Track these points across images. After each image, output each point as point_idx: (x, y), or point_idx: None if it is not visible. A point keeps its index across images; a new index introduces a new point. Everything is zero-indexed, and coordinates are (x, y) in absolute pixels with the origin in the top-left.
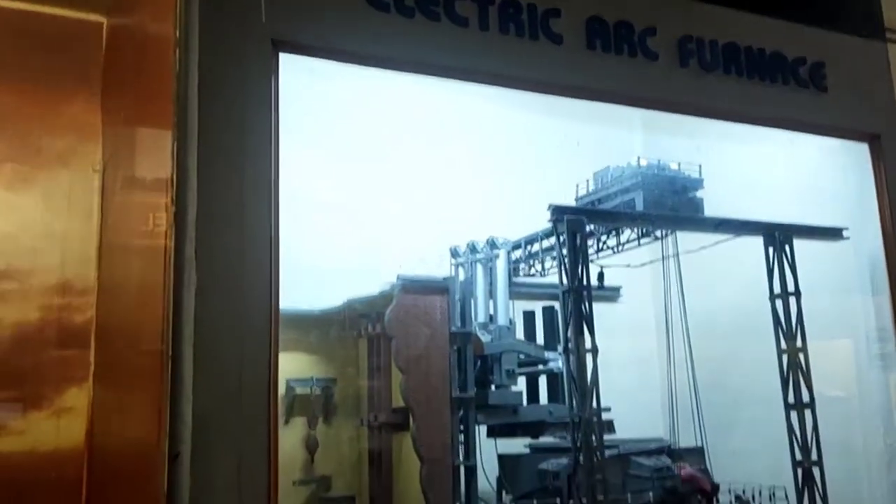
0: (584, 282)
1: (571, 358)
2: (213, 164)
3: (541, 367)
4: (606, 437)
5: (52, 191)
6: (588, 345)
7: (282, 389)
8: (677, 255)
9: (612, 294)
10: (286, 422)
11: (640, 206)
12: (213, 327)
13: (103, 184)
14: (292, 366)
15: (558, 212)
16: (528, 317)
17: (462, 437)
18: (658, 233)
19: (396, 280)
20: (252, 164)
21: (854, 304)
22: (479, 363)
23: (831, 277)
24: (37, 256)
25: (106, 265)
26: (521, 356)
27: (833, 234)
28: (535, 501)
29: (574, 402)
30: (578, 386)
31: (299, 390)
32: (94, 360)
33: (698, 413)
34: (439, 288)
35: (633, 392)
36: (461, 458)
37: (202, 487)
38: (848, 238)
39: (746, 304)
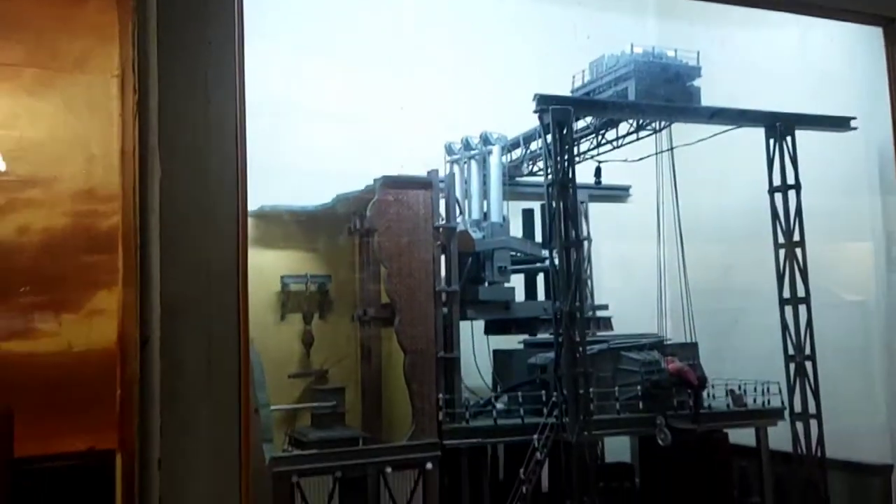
0: (570, 174)
1: (555, 252)
2: (175, 53)
3: (538, 264)
4: (603, 333)
5: (72, 96)
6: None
7: (277, 286)
8: (671, 148)
9: (620, 194)
10: (282, 318)
11: (631, 96)
12: (180, 217)
13: (122, 89)
14: (287, 263)
15: (543, 101)
16: (528, 215)
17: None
18: (656, 125)
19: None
20: (217, 57)
21: (861, 201)
22: (470, 260)
23: (839, 172)
24: (62, 163)
25: (128, 171)
26: (516, 254)
27: (839, 123)
28: (519, 393)
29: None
30: (560, 280)
31: (294, 287)
32: (121, 265)
33: (688, 309)
34: (422, 183)
35: (642, 293)
36: (443, 350)
37: (173, 371)
38: (856, 128)
39: (759, 200)
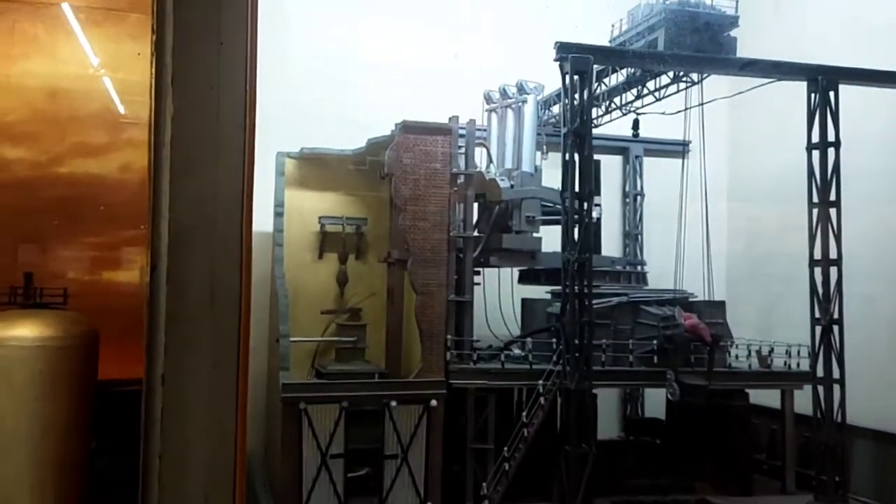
0: (587, 123)
1: (569, 203)
2: None
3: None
4: (634, 287)
5: None
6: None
7: (316, 227)
8: (702, 103)
9: (679, 149)
10: (320, 256)
11: (661, 46)
12: (189, 152)
13: None
14: (328, 205)
15: (563, 49)
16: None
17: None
18: (695, 76)
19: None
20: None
21: None
22: (497, 208)
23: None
24: None
25: None
26: (551, 204)
27: (893, 79)
28: (528, 340)
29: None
30: (571, 231)
31: (331, 228)
32: None
33: (708, 270)
34: (441, 130)
35: (696, 250)
36: (455, 293)
37: (177, 295)
38: None
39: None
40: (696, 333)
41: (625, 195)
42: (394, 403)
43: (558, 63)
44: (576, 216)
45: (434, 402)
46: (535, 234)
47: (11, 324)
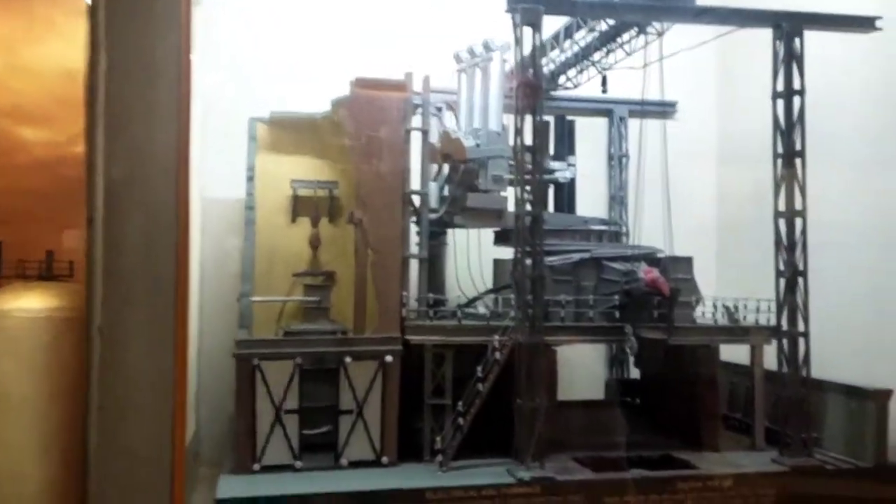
0: (539, 77)
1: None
2: None
3: (546, 176)
4: (609, 245)
5: None
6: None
7: (288, 191)
8: (661, 58)
9: (666, 109)
10: (293, 220)
11: None
12: (124, 107)
13: None
14: (297, 169)
15: (514, 0)
16: (543, 126)
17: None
18: (660, 27)
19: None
20: None
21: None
22: (462, 167)
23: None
24: None
25: None
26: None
27: (860, 23)
28: (482, 298)
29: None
30: (523, 189)
31: (302, 192)
32: None
33: (668, 223)
34: (396, 86)
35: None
36: (410, 250)
37: (114, 249)
38: (881, 29)
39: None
40: (655, 287)
41: (610, 157)
42: (348, 360)
43: (511, 15)
44: (526, 171)
45: (389, 359)
46: (501, 194)
47: (18, 295)
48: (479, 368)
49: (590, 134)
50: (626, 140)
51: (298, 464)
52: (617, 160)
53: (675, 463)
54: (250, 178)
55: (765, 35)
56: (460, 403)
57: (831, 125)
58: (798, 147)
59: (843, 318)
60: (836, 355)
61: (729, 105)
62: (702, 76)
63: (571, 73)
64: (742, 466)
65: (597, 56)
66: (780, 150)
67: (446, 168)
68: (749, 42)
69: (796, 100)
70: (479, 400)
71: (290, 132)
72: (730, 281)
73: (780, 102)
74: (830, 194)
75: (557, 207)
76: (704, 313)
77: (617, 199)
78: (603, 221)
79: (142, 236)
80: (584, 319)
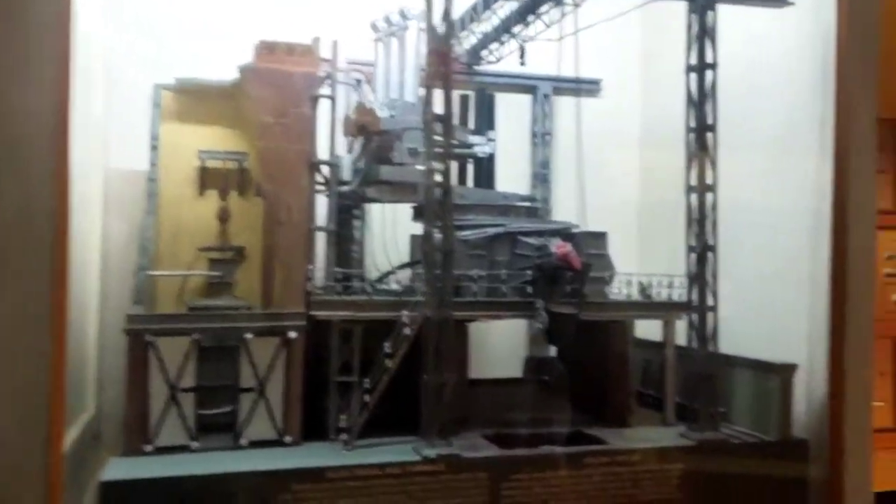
0: (448, 42)
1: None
2: None
3: (466, 150)
4: (525, 220)
5: None
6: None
7: (196, 162)
8: (577, 30)
9: (590, 87)
10: (201, 193)
11: None
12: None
13: None
14: (206, 139)
15: None
16: (463, 100)
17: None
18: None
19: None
20: None
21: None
22: (376, 139)
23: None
24: None
25: None
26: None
27: None
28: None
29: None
30: (432, 161)
31: (210, 163)
32: None
33: (582, 199)
34: (302, 50)
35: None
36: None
37: None
38: (793, 4)
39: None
40: (566, 262)
41: (533, 135)
42: (248, 336)
43: None
44: (436, 143)
45: (293, 335)
46: (417, 167)
47: None
48: (387, 344)
49: (515, 110)
50: (549, 117)
51: (195, 444)
52: (540, 137)
53: (585, 439)
54: (154, 148)
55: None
56: (366, 380)
57: (752, 104)
58: (710, 121)
59: (758, 297)
60: (750, 332)
61: (653, 83)
62: (627, 54)
63: (493, 46)
64: (650, 441)
65: (517, 28)
66: (692, 124)
67: (362, 141)
68: (673, 18)
69: (709, 73)
70: (386, 377)
71: (197, 100)
72: (652, 259)
73: (693, 76)
74: (749, 173)
75: (477, 183)
76: (621, 290)
77: (540, 176)
78: (522, 198)
79: (13, 208)
80: (497, 294)
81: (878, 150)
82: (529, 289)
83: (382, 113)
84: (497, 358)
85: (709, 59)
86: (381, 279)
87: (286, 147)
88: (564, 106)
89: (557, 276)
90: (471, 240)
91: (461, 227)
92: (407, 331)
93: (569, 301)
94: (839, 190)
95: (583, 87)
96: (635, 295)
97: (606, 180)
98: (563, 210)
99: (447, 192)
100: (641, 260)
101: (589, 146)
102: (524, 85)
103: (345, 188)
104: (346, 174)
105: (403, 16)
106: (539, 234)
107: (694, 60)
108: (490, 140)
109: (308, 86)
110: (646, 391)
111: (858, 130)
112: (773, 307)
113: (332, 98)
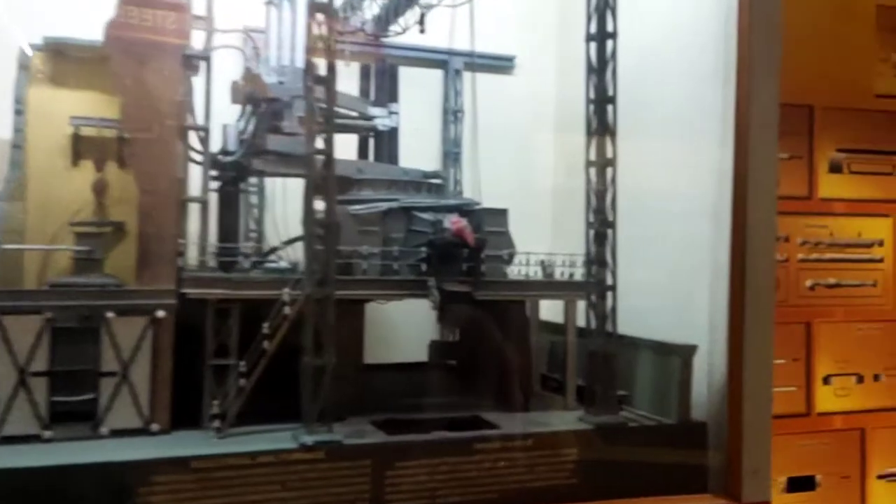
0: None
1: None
2: None
3: (364, 122)
4: (421, 195)
5: None
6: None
7: (69, 129)
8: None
9: (503, 64)
10: (74, 164)
11: None
12: None
13: None
14: (82, 105)
15: None
16: (365, 71)
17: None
18: None
19: None
20: None
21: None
22: (264, 106)
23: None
24: None
25: None
26: (340, 110)
27: None
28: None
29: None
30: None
31: (85, 131)
32: None
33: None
34: (171, 4)
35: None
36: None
37: None
38: None
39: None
40: (461, 237)
41: (445, 112)
42: (110, 315)
43: None
44: (319, 110)
45: (161, 314)
46: None
47: None
48: (266, 325)
49: (428, 85)
50: (460, 94)
51: (47, 434)
52: (452, 115)
53: (481, 424)
54: (18, 113)
55: None
56: (241, 363)
57: (654, 85)
58: (610, 92)
59: (661, 279)
60: (654, 315)
61: (568, 59)
62: (543, 30)
63: (400, 16)
64: (547, 426)
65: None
66: (591, 96)
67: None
68: None
69: (609, 43)
70: (263, 360)
71: (69, 62)
72: (567, 240)
73: (593, 46)
74: (652, 156)
75: (378, 157)
76: (521, 270)
77: (451, 155)
78: (426, 174)
79: None
80: (390, 272)
81: (794, 135)
82: (425, 267)
83: (270, 79)
84: (408, 341)
85: (609, 28)
86: (266, 255)
87: (151, 112)
88: (485, 82)
89: (451, 252)
90: (362, 215)
91: (353, 202)
92: (287, 310)
93: (464, 280)
94: (738, 173)
95: (495, 63)
96: (537, 275)
97: (523, 160)
98: (474, 188)
99: (330, 161)
100: (555, 241)
101: (506, 124)
102: (433, 59)
103: (227, 158)
104: (231, 143)
105: None
106: (436, 210)
107: (594, 29)
108: (392, 113)
109: (176, 45)
110: (551, 375)
111: (759, 112)
112: (675, 290)
113: (207, 59)
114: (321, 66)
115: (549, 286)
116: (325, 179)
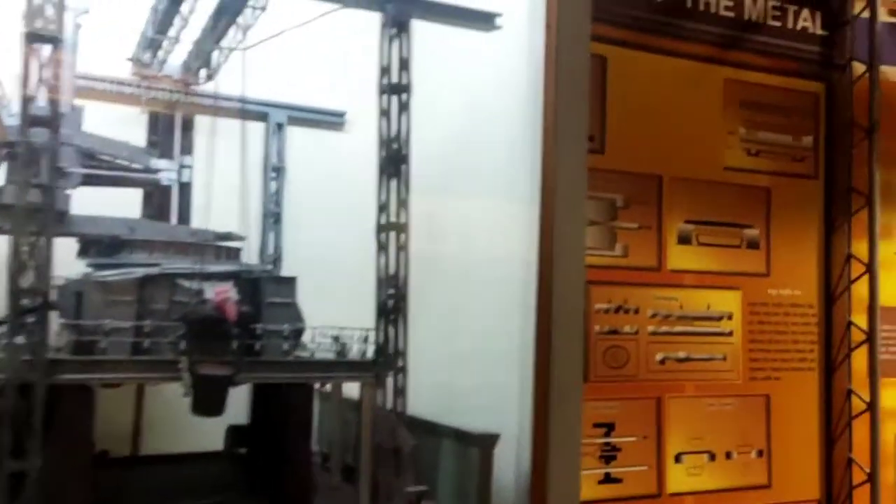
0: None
1: None
2: None
3: (138, 175)
4: (192, 260)
5: None
6: None
7: None
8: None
9: (332, 119)
10: None
11: None
12: None
13: None
14: None
15: None
16: (154, 120)
17: None
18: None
19: None
20: None
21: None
22: (6, 152)
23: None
24: None
25: None
26: (113, 158)
27: (480, 19)
28: None
29: None
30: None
31: None
32: None
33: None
34: None
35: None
36: None
37: None
38: (500, 27)
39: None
40: (222, 311)
41: (265, 168)
42: None
43: None
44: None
45: None
46: (66, 191)
47: None
48: None
49: (250, 139)
50: (283, 150)
51: None
52: (273, 171)
53: None
54: None
55: (425, 36)
56: None
57: (467, 145)
58: (403, 151)
59: (469, 357)
60: (459, 398)
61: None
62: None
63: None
64: None
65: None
66: (383, 153)
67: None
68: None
69: (403, 96)
70: None
71: None
72: None
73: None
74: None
75: (161, 215)
76: (315, 345)
77: (270, 215)
78: (219, 235)
79: None
80: (156, 351)
81: (643, 204)
82: (182, 344)
83: (11, 121)
84: (208, 425)
85: (404, 80)
86: None
87: None
88: (320, 138)
89: (210, 328)
90: (111, 282)
91: (106, 266)
92: None
93: (224, 361)
94: (545, 243)
95: (323, 118)
96: (327, 352)
97: (341, 222)
98: (290, 252)
99: (48, 214)
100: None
101: (332, 182)
102: (255, 112)
103: None
104: None
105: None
106: (205, 276)
107: (392, 80)
108: (185, 166)
109: None
110: (352, 464)
111: (566, 175)
112: (486, 365)
113: None
114: (45, 105)
115: (330, 367)
116: (36, 236)
